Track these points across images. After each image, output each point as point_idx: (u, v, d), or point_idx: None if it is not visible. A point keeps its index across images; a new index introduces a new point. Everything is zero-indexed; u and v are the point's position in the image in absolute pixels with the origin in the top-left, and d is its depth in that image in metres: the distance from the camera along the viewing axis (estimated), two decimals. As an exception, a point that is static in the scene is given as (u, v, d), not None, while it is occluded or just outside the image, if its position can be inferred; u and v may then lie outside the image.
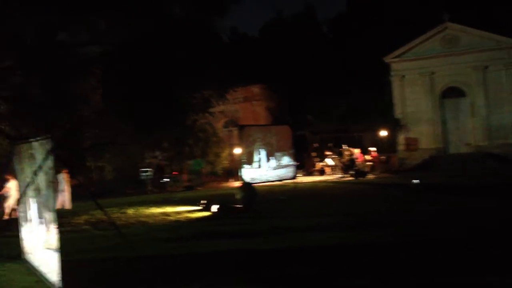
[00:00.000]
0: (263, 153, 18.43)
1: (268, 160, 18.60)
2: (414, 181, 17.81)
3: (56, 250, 7.11)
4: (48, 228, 7.50)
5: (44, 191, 7.62)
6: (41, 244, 7.88)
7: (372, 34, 34.24)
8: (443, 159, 28.63)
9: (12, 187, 15.62)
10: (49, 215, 7.42)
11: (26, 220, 9.14)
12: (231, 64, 27.71)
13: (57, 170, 14.71)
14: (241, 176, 17.74)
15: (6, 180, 16.15)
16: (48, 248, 7.53)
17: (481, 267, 7.11)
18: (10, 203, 15.97)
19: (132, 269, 8.40)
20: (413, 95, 30.83)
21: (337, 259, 8.14)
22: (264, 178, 18.51)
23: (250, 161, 18.02)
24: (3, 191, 16.34)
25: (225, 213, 14.45)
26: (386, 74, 31.51)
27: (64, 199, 18.92)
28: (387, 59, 31.09)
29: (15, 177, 10.55)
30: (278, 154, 19.00)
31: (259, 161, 18.30)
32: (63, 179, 18.91)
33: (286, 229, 11.07)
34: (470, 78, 29.70)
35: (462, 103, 30.13)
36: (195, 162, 29.05)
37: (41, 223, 7.91)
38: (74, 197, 21.03)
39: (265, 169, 18.46)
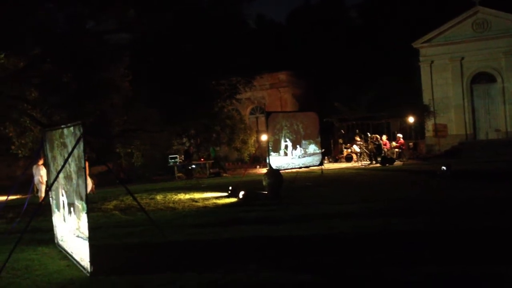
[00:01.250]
0: (289, 140, 18.41)
1: (294, 147, 18.57)
2: (443, 167, 17.65)
3: (86, 235, 7.31)
4: (78, 214, 7.70)
5: (74, 178, 7.81)
6: (72, 230, 8.09)
7: (400, 19, 33.84)
8: (472, 146, 28.26)
9: (43, 174, 16.00)
10: (79, 201, 7.61)
11: (57, 206, 9.38)
12: (258, 51, 27.75)
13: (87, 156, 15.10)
14: (267, 163, 17.78)
15: (38, 167, 16.57)
16: (79, 235, 7.75)
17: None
18: (43, 189, 16.40)
19: (161, 254, 8.58)
20: (442, 81, 30.43)
21: (361, 248, 8.18)
22: (290, 165, 18.49)
23: (276, 148, 18.01)
24: (37, 178, 16.75)
25: (251, 200, 14.57)
26: (415, 59, 31.12)
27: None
28: (416, 44, 30.69)
29: (46, 163, 10.81)
30: (304, 142, 18.94)
31: (286, 148, 18.27)
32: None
33: (312, 217, 11.11)
34: (501, 64, 29.17)
35: (492, 88, 29.64)
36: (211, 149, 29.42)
37: (71, 209, 8.12)
38: (104, 183, 21.45)
39: (291, 157, 18.43)
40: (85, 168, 7.37)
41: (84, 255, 7.44)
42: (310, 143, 19.25)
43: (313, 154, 19.42)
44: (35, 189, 16.98)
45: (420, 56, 30.89)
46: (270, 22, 43.84)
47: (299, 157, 18.83)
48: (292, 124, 18.68)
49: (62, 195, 8.77)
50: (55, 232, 9.78)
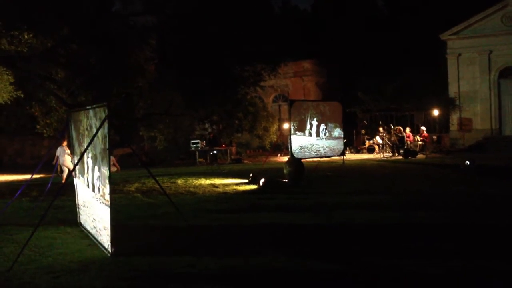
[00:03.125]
0: (316, 120, 18.39)
1: (318, 131, 18.55)
2: (467, 162, 17.44)
3: (109, 216, 7.40)
4: (102, 194, 7.80)
5: (99, 159, 7.90)
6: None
7: (428, 10, 33.36)
8: (497, 141, 27.87)
9: (67, 155, 16.21)
10: (103, 181, 7.70)
11: (81, 185, 9.51)
12: (282, 38, 27.59)
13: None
14: (289, 151, 17.77)
15: (63, 147, 16.79)
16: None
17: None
18: (67, 170, 16.63)
19: (181, 237, 8.65)
20: (469, 74, 30.01)
21: (379, 239, 8.15)
22: (313, 150, 18.44)
23: (302, 128, 18.01)
24: (62, 158, 16.98)
25: (271, 187, 14.58)
26: (442, 52, 30.69)
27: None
28: (444, 37, 30.27)
29: (70, 144, 10.94)
30: (330, 124, 18.87)
31: (311, 128, 18.26)
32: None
33: (331, 206, 11.10)
34: (530, 58, 28.65)
35: (520, 84, 29.14)
36: None
37: (95, 189, 8.22)
38: (126, 165, 21.65)
39: (315, 138, 18.40)
40: (109, 150, 7.44)
41: (105, 232, 7.54)
42: (335, 126, 19.19)
43: (338, 138, 19.33)
44: (58, 169, 17.21)
45: (447, 48, 30.48)
46: (295, 9, 43.53)
47: (323, 139, 18.77)
48: (315, 113, 18.62)
49: (85, 175, 8.86)
50: (78, 212, 9.91)
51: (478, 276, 6.05)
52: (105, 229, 7.58)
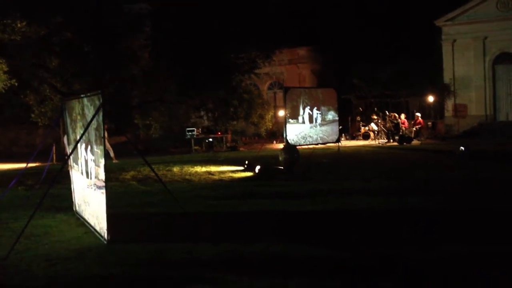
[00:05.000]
0: (311, 110, 18.37)
1: (311, 118, 18.55)
2: (461, 148, 17.50)
3: (105, 203, 7.40)
4: (97, 184, 7.79)
5: (94, 147, 7.89)
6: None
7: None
8: (492, 127, 27.95)
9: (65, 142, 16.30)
10: (98, 170, 7.70)
11: (76, 174, 9.50)
12: (277, 25, 27.46)
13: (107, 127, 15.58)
14: (284, 138, 17.78)
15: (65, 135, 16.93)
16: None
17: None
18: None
19: (177, 224, 8.69)
20: (464, 60, 30.00)
21: (377, 224, 8.20)
22: (308, 138, 18.47)
23: (295, 114, 18.00)
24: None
25: (267, 174, 14.61)
26: (437, 38, 30.65)
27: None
28: (439, 23, 30.21)
29: (65, 132, 10.92)
30: (324, 108, 18.85)
31: (307, 116, 18.26)
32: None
33: (326, 192, 11.13)
34: (525, 44, 28.63)
35: (515, 69, 29.16)
36: None
37: (89, 175, 8.21)
38: (122, 153, 21.61)
39: (309, 125, 18.40)
40: (104, 137, 7.44)
41: (101, 220, 7.54)
42: (329, 110, 19.19)
43: (332, 121, 19.33)
44: (54, 158, 17.20)
45: (442, 34, 30.43)
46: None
47: (318, 126, 18.78)
48: (310, 99, 18.62)
49: (80, 163, 8.85)
50: (73, 200, 9.92)
51: (474, 260, 6.10)
52: (101, 216, 7.59)
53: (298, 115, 18.09)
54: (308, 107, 18.42)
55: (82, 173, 8.80)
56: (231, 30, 22.89)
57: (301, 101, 18.31)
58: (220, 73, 23.59)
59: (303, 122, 18.39)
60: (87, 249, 7.15)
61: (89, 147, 8.16)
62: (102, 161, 7.40)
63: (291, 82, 34.47)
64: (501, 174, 13.31)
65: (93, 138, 7.88)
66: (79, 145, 8.67)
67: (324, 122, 19.07)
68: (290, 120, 17.90)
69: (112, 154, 19.59)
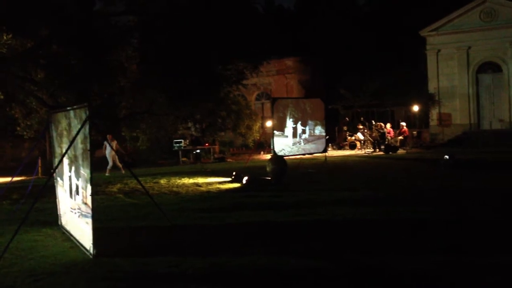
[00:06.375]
0: (295, 124, 18.43)
1: (300, 131, 18.61)
2: (446, 156, 17.64)
3: (90, 217, 7.37)
4: (83, 196, 7.77)
5: (80, 160, 7.86)
6: (76, 212, 8.15)
7: (408, 7, 33.62)
8: (476, 135, 28.20)
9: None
10: (84, 183, 7.67)
11: (62, 187, 9.46)
12: (265, 36, 27.60)
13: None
14: (272, 149, 17.82)
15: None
16: (82, 215, 7.81)
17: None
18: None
19: (164, 237, 8.66)
20: (448, 70, 30.31)
21: (364, 235, 8.23)
22: (295, 149, 18.52)
23: (281, 127, 18.05)
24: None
25: (254, 185, 14.62)
26: (422, 48, 30.97)
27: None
28: (423, 33, 30.53)
29: (51, 145, 10.88)
30: (311, 122, 18.90)
31: (291, 130, 18.30)
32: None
33: (314, 203, 11.16)
34: (507, 53, 28.96)
35: (498, 78, 29.47)
36: None
37: (76, 190, 8.18)
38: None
39: (296, 140, 18.45)
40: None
41: (87, 234, 7.50)
42: (316, 125, 19.26)
43: (319, 137, 19.42)
44: (40, 171, 17.11)
45: (427, 44, 30.73)
46: (279, 8, 43.59)
47: (305, 141, 18.83)
48: (298, 110, 18.68)
49: (66, 176, 8.82)
50: (59, 214, 9.85)
51: (459, 271, 6.14)
52: (87, 231, 7.56)
53: (285, 127, 18.13)
54: (292, 120, 18.47)
55: (66, 190, 8.75)
56: (219, 41, 22.96)
57: (288, 113, 18.36)
58: (208, 84, 23.63)
59: (294, 136, 18.49)
60: (73, 264, 7.10)
61: (73, 167, 8.10)
62: (89, 186, 7.37)
63: (278, 92, 34.59)
64: (485, 183, 13.43)
65: (79, 152, 7.85)
66: (65, 160, 8.63)
67: (311, 138, 19.14)
68: (276, 132, 17.96)
69: (109, 166, 19.59)
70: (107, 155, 19.54)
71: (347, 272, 6.27)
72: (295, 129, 18.57)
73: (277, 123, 18.06)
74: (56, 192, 9.97)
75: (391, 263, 6.51)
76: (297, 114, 18.63)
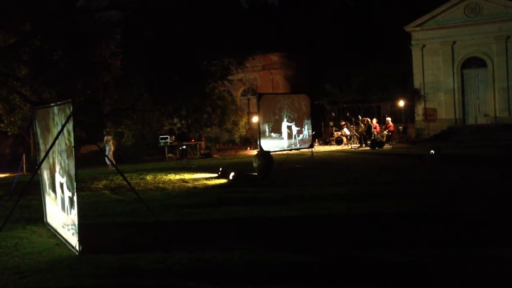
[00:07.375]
0: (281, 121, 18.38)
1: (286, 128, 18.57)
2: (432, 151, 17.76)
3: (75, 213, 7.30)
4: (67, 192, 7.69)
5: (64, 156, 7.78)
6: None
7: (393, 2, 33.73)
8: (461, 130, 28.43)
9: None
10: (68, 180, 7.59)
11: (47, 184, 9.35)
12: (250, 32, 27.54)
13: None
14: (258, 144, 17.78)
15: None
16: (67, 211, 7.72)
17: (497, 239, 7.17)
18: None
19: (151, 233, 8.60)
20: (433, 65, 30.47)
21: (351, 229, 8.25)
22: (281, 146, 18.50)
23: (278, 129, 18.00)
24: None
25: (241, 181, 14.60)
26: (407, 43, 31.10)
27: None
28: (408, 28, 30.65)
29: (35, 142, 10.75)
30: (296, 121, 18.88)
31: (277, 128, 18.24)
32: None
33: (300, 198, 11.17)
34: (492, 49, 29.18)
35: (482, 73, 29.68)
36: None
37: (61, 187, 8.09)
38: (93, 162, 21.39)
39: (282, 137, 18.41)
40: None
41: (73, 230, 7.41)
42: (305, 124, 19.27)
43: (304, 134, 19.44)
44: (24, 168, 16.93)
45: (412, 40, 30.87)
46: (263, 3, 43.51)
47: (301, 142, 18.82)
48: (284, 105, 18.64)
49: (51, 173, 8.71)
50: (44, 211, 9.75)
51: (446, 263, 6.17)
52: (72, 227, 7.48)
53: (271, 129, 18.01)
54: (282, 121, 18.39)
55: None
56: (204, 36, 22.84)
57: (284, 115, 18.28)
58: (193, 80, 23.51)
59: (290, 138, 18.41)
60: (59, 261, 7.03)
61: (60, 171, 7.99)
62: (74, 184, 7.28)
63: (264, 88, 34.56)
64: (470, 177, 13.53)
65: (63, 148, 7.76)
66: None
67: (308, 139, 19.13)
68: (272, 134, 17.91)
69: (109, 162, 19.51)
70: (107, 155, 20.14)
71: (335, 266, 6.27)
72: (290, 128, 18.54)
73: (272, 123, 17.94)
74: (41, 188, 9.84)
75: (378, 256, 6.52)
76: (293, 114, 18.59)
